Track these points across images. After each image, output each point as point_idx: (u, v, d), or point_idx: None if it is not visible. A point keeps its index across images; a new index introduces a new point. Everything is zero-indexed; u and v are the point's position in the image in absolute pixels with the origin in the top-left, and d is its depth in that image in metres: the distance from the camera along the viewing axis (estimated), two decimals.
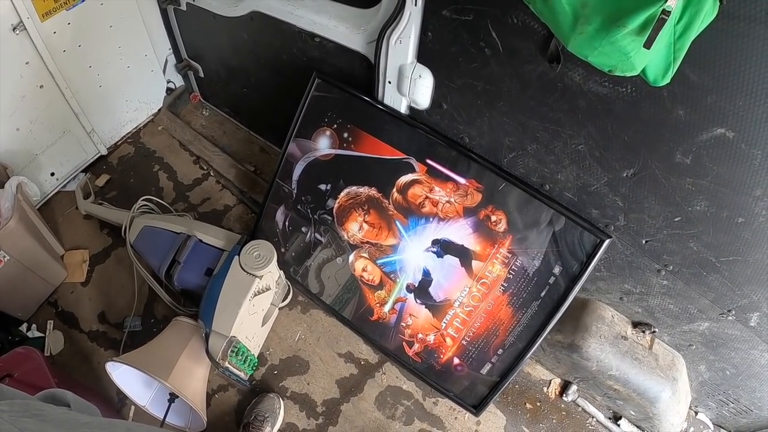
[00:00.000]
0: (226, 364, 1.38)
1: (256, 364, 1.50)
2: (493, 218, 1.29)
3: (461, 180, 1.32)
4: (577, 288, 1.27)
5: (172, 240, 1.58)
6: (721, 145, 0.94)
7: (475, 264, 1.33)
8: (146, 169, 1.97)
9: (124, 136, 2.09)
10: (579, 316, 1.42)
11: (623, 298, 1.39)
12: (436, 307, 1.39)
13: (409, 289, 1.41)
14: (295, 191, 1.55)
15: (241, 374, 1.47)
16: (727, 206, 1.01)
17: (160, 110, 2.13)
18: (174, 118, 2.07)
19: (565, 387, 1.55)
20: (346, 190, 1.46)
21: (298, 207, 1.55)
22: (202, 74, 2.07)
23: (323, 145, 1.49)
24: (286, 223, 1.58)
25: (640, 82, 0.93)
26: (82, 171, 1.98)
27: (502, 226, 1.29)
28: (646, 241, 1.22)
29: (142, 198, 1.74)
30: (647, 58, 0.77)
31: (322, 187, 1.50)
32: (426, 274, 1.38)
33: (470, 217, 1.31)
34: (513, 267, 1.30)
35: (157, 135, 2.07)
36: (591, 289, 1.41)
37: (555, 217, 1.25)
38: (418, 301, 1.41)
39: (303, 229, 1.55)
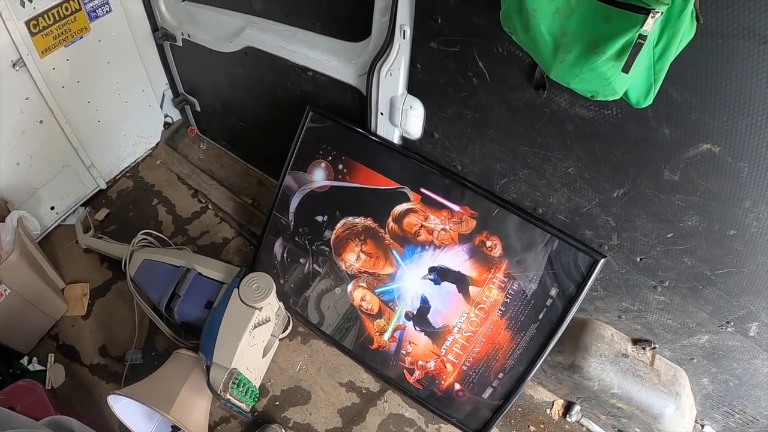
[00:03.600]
0: (228, 396, 1.28)
1: (257, 395, 1.40)
2: (489, 244, 1.23)
3: (455, 207, 1.25)
4: (574, 309, 1.20)
5: (172, 273, 1.50)
6: (708, 161, 0.90)
7: (472, 289, 1.25)
8: (145, 203, 1.90)
9: (123, 170, 2.02)
10: (578, 336, 1.34)
11: (621, 316, 1.32)
12: (435, 334, 1.31)
13: (407, 316, 1.33)
14: (292, 223, 1.48)
15: (243, 405, 1.38)
16: (718, 219, 0.97)
17: (158, 144, 2.07)
18: (172, 152, 2.00)
19: (568, 408, 1.46)
20: (342, 221, 1.39)
21: (296, 239, 1.47)
22: (198, 108, 2.02)
23: (319, 177, 1.43)
24: (285, 255, 1.50)
25: (624, 104, 0.89)
26: (82, 205, 1.90)
27: (497, 251, 1.22)
28: (641, 259, 1.16)
29: (141, 232, 1.66)
30: (628, 81, 0.75)
31: (319, 218, 1.43)
32: (424, 301, 1.30)
33: (465, 244, 1.24)
34: (510, 291, 1.22)
35: (156, 169, 1.99)
36: (589, 308, 1.34)
37: (550, 240, 1.19)
38: (417, 328, 1.32)
39: (301, 261, 1.47)
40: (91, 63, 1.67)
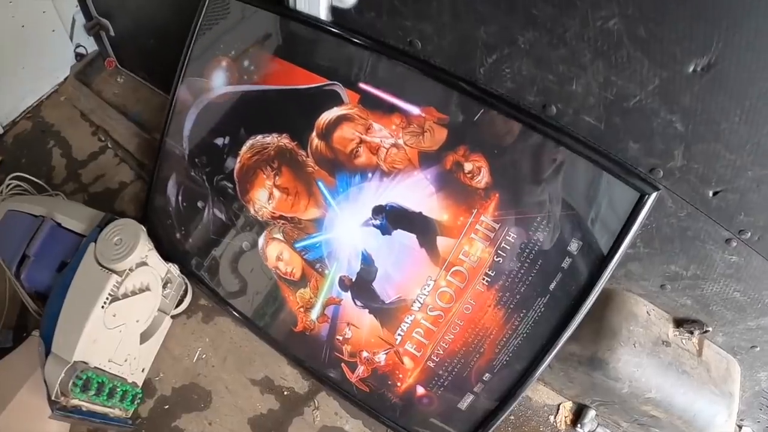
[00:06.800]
0: (74, 402, 0.78)
1: (140, 397, 0.91)
2: (468, 167, 0.69)
3: (413, 109, 0.72)
4: (606, 274, 0.69)
5: (28, 226, 0.98)
6: None
7: (441, 243, 0.73)
8: (40, 147, 1.38)
9: (24, 111, 1.49)
10: (601, 316, 0.84)
11: (666, 285, 0.82)
12: (385, 312, 0.79)
13: (343, 285, 0.81)
14: (186, 152, 0.95)
15: (116, 412, 0.88)
16: None
17: (66, 79, 1.52)
18: (80, 86, 1.47)
19: (579, 413, 0.95)
20: (249, 143, 0.86)
21: (192, 173, 0.95)
22: (112, 33, 1.47)
23: (218, 81, 0.89)
24: (179, 198, 0.98)
25: None
26: None
27: (482, 180, 0.69)
28: (716, 193, 0.66)
29: (10, 176, 1.14)
30: None
31: (219, 141, 0.90)
32: (366, 261, 0.78)
33: (431, 168, 0.71)
34: (503, 245, 0.70)
35: (60, 107, 1.47)
36: (618, 274, 0.82)
37: (568, 160, 0.66)
38: (358, 302, 0.80)
39: (199, 205, 0.94)
40: None
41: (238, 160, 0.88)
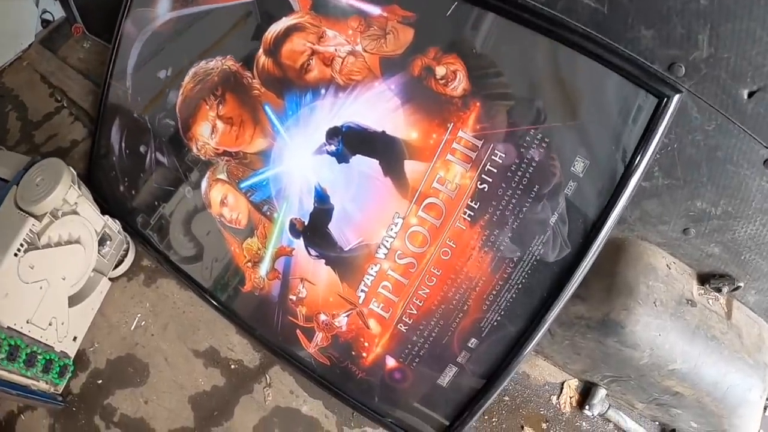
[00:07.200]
0: None
1: (71, 370, 0.78)
2: (440, 71, 0.56)
3: (373, 10, 0.59)
4: (620, 204, 0.54)
5: None
6: None
7: (411, 168, 0.59)
8: None
9: None
10: (613, 270, 0.70)
11: (690, 229, 0.68)
12: (344, 263, 0.65)
13: (294, 230, 0.67)
14: (130, 91, 0.83)
15: (41, 385, 0.75)
16: None
17: (31, 46, 1.43)
18: (43, 50, 1.38)
19: (586, 393, 0.79)
20: (192, 71, 0.73)
21: (135, 115, 0.82)
22: None
23: (163, 8, 0.77)
24: (122, 145, 0.85)
25: None
26: None
27: (458, 86, 0.56)
28: (752, 93, 0.53)
29: None
30: None
31: (162, 74, 0.78)
32: (320, 197, 0.64)
33: (394, 76, 0.58)
34: (488, 168, 0.56)
35: (21, 72, 1.38)
36: (631, 217, 0.67)
37: (564, 58, 0.52)
38: (312, 252, 0.66)
39: (141, 149, 0.82)
40: None
41: (180, 92, 0.75)
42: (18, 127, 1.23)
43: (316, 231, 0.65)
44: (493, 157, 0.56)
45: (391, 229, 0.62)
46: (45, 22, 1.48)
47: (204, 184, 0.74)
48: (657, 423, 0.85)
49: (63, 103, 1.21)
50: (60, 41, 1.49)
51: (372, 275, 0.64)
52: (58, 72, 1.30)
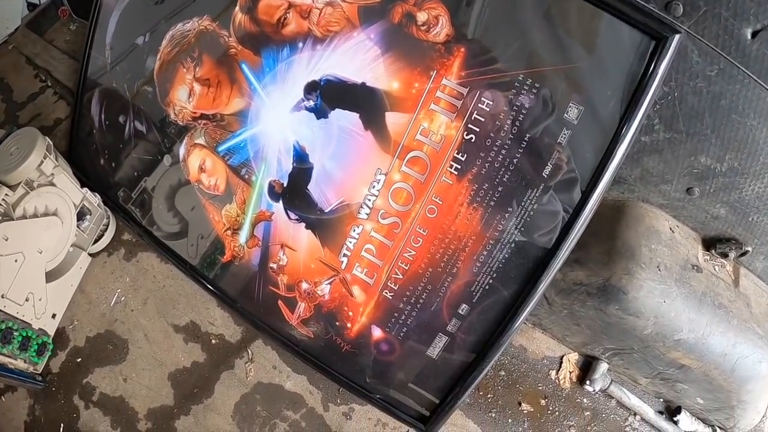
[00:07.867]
0: None
1: (50, 348, 0.76)
2: (422, 17, 0.53)
3: None
4: (620, 152, 0.50)
5: None
6: None
7: (393, 120, 0.56)
8: None
9: None
10: (613, 233, 0.66)
11: (694, 188, 0.64)
12: (325, 225, 0.61)
13: (273, 192, 0.64)
14: (109, 60, 0.80)
15: (19, 364, 0.74)
16: None
17: (17, 29, 1.42)
18: (29, 33, 1.37)
19: (587, 368, 0.75)
20: (169, 34, 0.70)
21: (114, 84, 0.80)
22: None
23: None
24: (102, 117, 0.83)
25: None
26: None
27: (441, 32, 0.52)
28: (756, 33, 0.50)
29: None
30: None
31: (140, 40, 0.75)
32: (299, 156, 0.61)
33: (374, 24, 0.55)
34: (475, 117, 0.52)
35: (7, 55, 1.36)
36: (631, 176, 0.63)
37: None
38: (292, 215, 0.63)
39: (121, 119, 0.79)
40: None
41: (158, 57, 0.73)
42: (3, 108, 1.21)
43: (295, 192, 0.61)
44: (479, 105, 0.53)
45: (373, 187, 0.58)
46: (31, 6, 1.47)
47: (182, 150, 0.71)
48: (661, 400, 0.81)
49: (48, 83, 1.18)
50: (46, 24, 1.47)
51: (354, 238, 0.61)
52: (43, 53, 1.29)
